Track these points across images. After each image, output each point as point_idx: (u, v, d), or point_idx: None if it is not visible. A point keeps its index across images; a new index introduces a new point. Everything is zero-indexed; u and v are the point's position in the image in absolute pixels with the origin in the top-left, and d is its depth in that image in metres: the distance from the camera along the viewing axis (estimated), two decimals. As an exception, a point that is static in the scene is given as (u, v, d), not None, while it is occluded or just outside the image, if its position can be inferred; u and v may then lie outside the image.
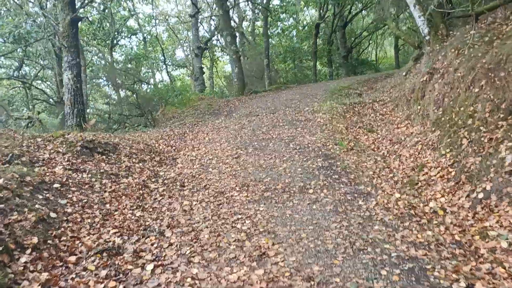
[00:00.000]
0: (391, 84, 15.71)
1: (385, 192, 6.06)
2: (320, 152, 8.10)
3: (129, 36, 34.60)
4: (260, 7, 23.12)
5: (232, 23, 23.54)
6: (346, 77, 28.32)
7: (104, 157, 7.88)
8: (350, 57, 30.87)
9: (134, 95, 17.90)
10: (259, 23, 34.36)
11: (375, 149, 8.51)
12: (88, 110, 27.32)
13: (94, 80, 30.79)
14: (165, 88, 23.75)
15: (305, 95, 16.52)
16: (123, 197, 6.25)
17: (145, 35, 35.39)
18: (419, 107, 8.98)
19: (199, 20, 28.26)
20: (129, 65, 35.12)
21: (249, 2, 26.51)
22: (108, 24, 30.80)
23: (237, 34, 23.56)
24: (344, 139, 9.04)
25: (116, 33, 32.13)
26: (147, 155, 8.83)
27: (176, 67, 41.37)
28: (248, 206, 5.82)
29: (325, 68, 31.43)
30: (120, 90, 31.54)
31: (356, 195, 5.97)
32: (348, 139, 9.14)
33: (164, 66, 35.17)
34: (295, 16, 31.39)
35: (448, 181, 5.87)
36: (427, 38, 9.62)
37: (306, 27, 30.85)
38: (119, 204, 5.87)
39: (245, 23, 33.12)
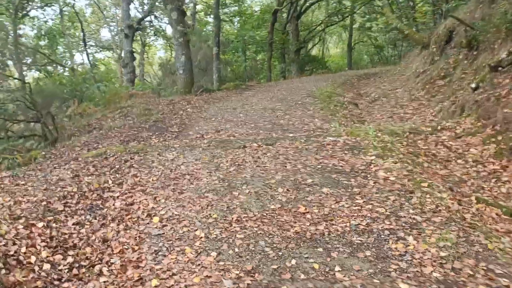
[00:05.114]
0: (409, 96, 10.45)
1: None
2: None
3: (42, 7, 26.19)
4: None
5: None
6: (300, 75, 22.94)
7: None
8: (300, 52, 25.55)
9: (27, 86, 10.63)
10: (199, 7, 27.65)
11: None
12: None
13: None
14: (80, 75, 16.32)
15: (286, 102, 10.69)
16: None
17: (62, 7, 27.07)
18: None
19: (130, -6, 20.95)
20: (42, 42, 26.77)
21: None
22: (15, -11, 22.48)
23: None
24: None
25: (25, 1, 23.91)
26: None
27: (100, 49, 33.14)
28: None
29: (276, 63, 25.72)
30: (25, 72, 23.50)
31: None
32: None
33: (85, 47, 27.10)
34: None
35: None
36: None
37: (255, 15, 24.85)
38: None
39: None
